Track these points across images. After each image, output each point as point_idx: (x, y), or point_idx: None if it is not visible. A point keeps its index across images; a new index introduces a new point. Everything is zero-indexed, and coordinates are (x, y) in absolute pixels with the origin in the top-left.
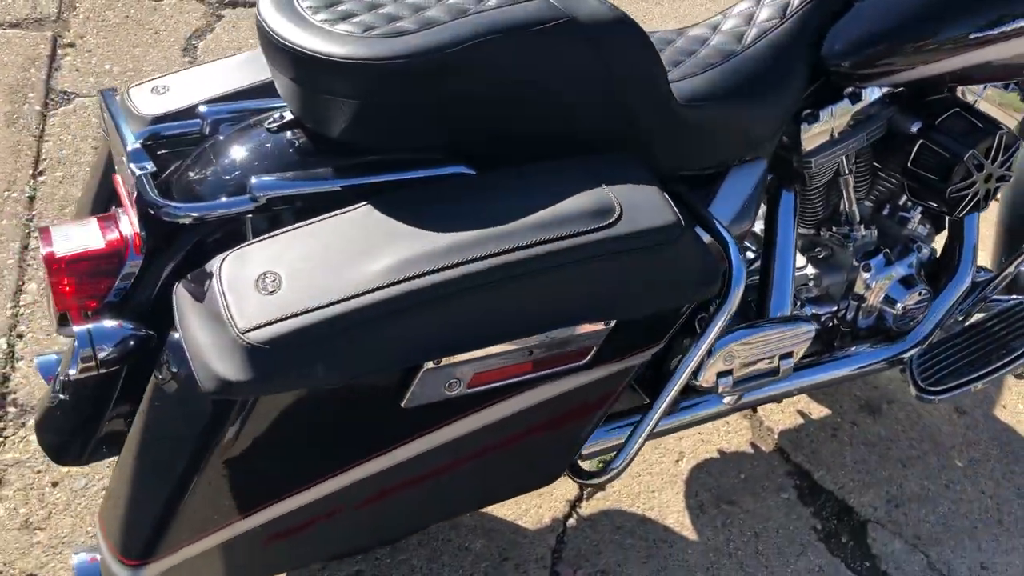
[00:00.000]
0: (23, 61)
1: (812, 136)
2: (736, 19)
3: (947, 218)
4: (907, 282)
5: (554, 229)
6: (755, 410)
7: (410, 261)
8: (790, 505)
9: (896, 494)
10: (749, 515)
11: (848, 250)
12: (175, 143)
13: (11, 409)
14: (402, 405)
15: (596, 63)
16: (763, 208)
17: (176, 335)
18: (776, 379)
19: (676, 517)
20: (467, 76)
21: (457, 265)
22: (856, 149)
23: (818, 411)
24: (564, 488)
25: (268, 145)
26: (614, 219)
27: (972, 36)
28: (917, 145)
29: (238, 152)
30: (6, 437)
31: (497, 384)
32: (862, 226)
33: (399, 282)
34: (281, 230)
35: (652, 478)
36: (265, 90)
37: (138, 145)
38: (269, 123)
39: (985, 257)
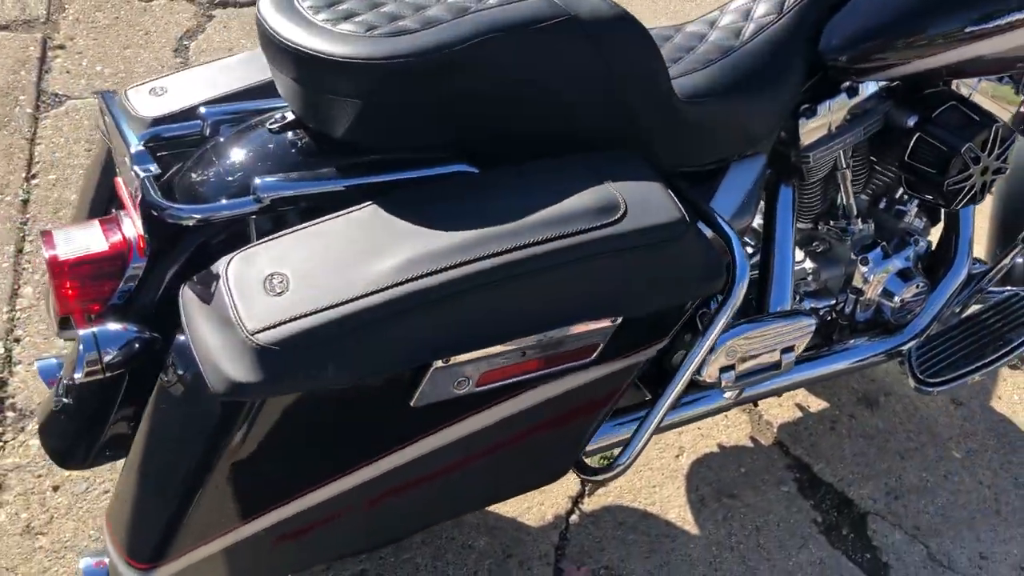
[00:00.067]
0: (13, 63)
1: (810, 131)
2: (733, 15)
3: (943, 211)
4: (905, 275)
5: (560, 227)
6: (756, 404)
7: (418, 260)
8: (790, 498)
9: (895, 486)
10: (750, 509)
11: (846, 244)
12: (176, 145)
13: (10, 414)
14: (411, 404)
15: (597, 60)
16: (761, 204)
17: (182, 337)
18: (778, 373)
19: (678, 512)
20: (469, 75)
21: (465, 263)
22: (853, 143)
23: (816, 404)
24: (566, 485)
25: (270, 146)
26: (619, 216)
27: (967, 30)
28: (914, 139)
29: (240, 153)
30: (5, 442)
31: (505, 382)
32: (859, 220)
33: (408, 281)
34: (287, 231)
35: (653, 473)
36: (264, 90)
37: (142, 147)
38: (271, 124)
39: (978, 250)
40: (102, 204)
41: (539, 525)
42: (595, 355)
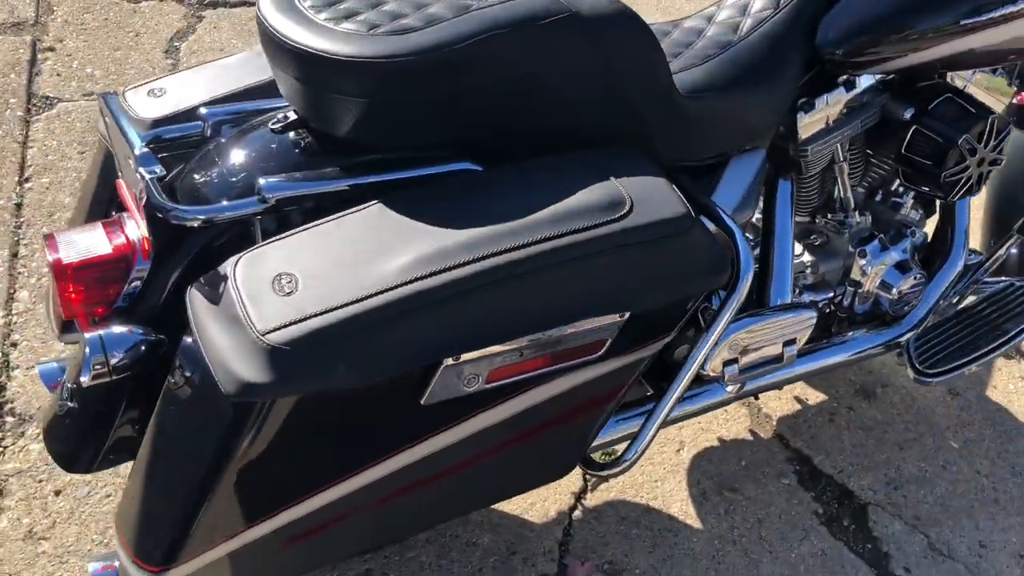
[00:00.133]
0: (2, 66)
1: (808, 124)
2: (730, 10)
3: (938, 202)
4: (902, 267)
5: (567, 223)
6: (756, 397)
7: (427, 259)
8: (791, 491)
9: (894, 476)
10: (751, 502)
11: (843, 237)
12: (177, 146)
13: (9, 419)
14: (422, 402)
15: (599, 56)
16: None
17: (189, 339)
18: (780, 366)
19: (680, 506)
20: (472, 72)
21: (474, 261)
22: (851, 136)
23: (815, 397)
24: (569, 481)
25: (273, 146)
26: (625, 212)
27: (960, 23)
28: (911, 131)
29: (243, 153)
30: (6, 447)
31: (514, 379)
32: (856, 213)
33: (417, 280)
34: (293, 231)
35: (654, 468)
36: (263, 90)
37: (146, 148)
38: (273, 124)
39: (973, 241)
40: (102, 206)
41: (542, 521)
42: (603, 351)
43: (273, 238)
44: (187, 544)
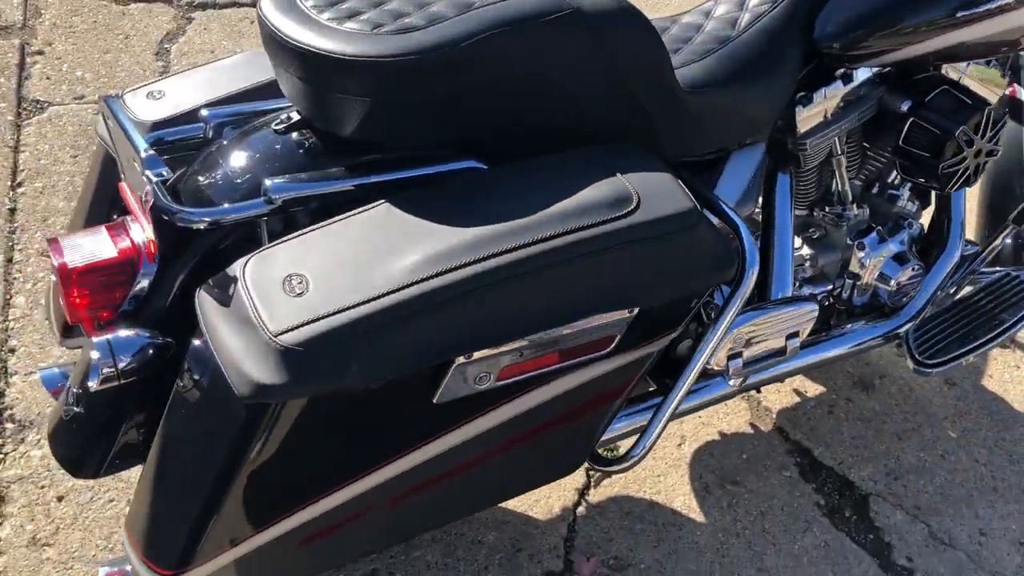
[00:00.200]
0: None
1: (807, 118)
2: (728, 4)
3: (934, 194)
4: (900, 258)
5: (575, 220)
6: (758, 390)
7: (438, 257)
8: (792, 483)
9: (894, 467)
10: (753, 494)
11: (842, 229)
12: (178, 148)
13: (9, 425)
14: (434, 401)
15: (603, 53)
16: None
17: (198, 342)
18: (784, 358)
19: (683, 500)
20: (476, 70)
21: (485, 259)
22: (848, 129)
23: (813, 389)
24: (572, 478)
25: (277, 146)
26: (632, 208)
27: (956, 15)
28: (908, 123)
29: (247, 155)
30: (6, 453)
31: (525, 375)
32: (854, 205)
33: (429, 279)
34: (301, 231)
35: (656, 463)
36: (263, 91)
37: (152, 151)
38: (276, 124)
39: (967, 232)
40: (102, 210)
41: (547, 518)
42: (612, 346)
43: (281, 239)
44: (201, 547)
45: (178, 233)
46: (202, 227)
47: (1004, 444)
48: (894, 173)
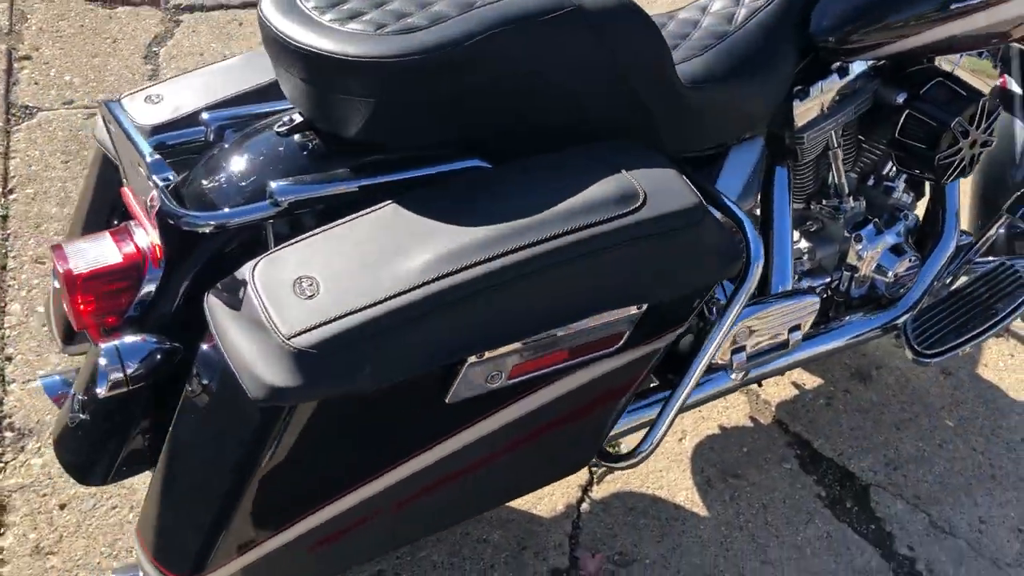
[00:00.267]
0: None
1: (804, 112)
2: (723, 0)
3: (928, 185)
4: (897, 250)
5: (583, 217)
6: (760, 384)
7: (447, 257)
8: (793, 475)
9: (893, 457)
10: (755, 487)
11: (839, 222)
12: (180, 152)
13: (8, 434)
14: (446, 401)
15: (604, 50)
16: None
17: (207, 346)
18: (786, 351)
19: (685, 494)
20: (479, 69)
21: (494, 258)
22: (844, 122)
23: (811, 381)
24: (575, 475)
25: (280, 148)
26: (639, 204)
27: (950, 7)
28: (904, 116)
29: (250, 157)
30: (6, 462)
31: (536, 373)
32: (851, 198)
33: (439, 279)
34: (309, 234)
35: (658, 458)
36: (263, 93)
37: (158, 155)
38: (278, 126)
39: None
40: (101, 215)
41: (551, 516)
42: (621, 342)
43: (289, 241)
44: (215, 551)
45: (183, 237)
46: (208, 231)
47: (1001, 432)
48: (890, 165)
